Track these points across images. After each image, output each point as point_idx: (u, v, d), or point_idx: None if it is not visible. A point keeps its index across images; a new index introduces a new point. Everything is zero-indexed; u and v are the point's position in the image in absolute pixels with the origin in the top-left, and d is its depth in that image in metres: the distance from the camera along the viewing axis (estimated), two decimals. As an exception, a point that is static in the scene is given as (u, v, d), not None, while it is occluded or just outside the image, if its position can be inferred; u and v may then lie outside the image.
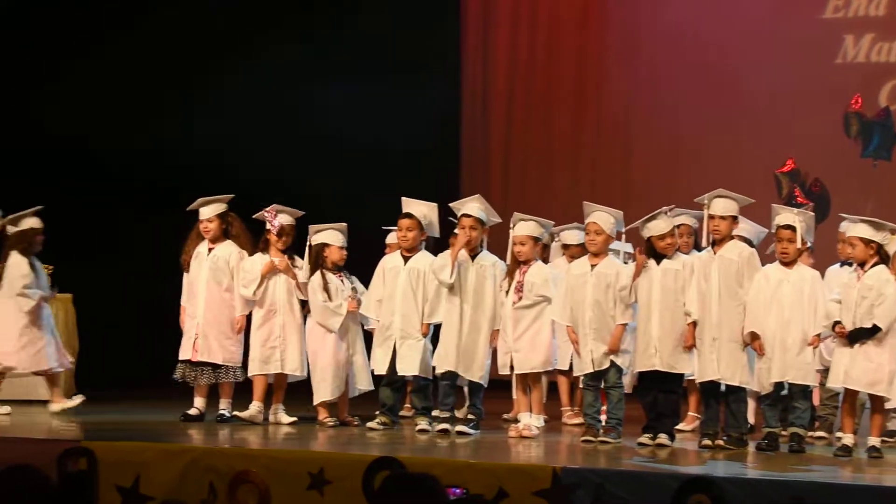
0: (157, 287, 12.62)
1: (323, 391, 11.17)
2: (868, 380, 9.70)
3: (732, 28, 15.82)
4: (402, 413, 11.60)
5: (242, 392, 11.64)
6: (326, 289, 11.17)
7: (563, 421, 11.81)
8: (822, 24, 15.63)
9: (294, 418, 11.29)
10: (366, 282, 11.37)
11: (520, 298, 10.64)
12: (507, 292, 10.68)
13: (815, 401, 10.76)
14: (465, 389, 11.17)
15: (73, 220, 14.79)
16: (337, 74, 15.51)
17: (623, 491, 8.17)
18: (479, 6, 17.09)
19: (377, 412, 11.12)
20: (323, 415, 11.20)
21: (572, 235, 11.67)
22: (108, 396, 12.42)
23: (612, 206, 10.73)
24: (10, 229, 11.98)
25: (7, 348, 11.82)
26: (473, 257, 10.84)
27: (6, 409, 11.72)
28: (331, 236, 11.30)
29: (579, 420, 11.56)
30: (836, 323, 9.74)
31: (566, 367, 11.28)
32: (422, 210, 11.17)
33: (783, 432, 10.14)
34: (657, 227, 10.25)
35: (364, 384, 11.31)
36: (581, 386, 10.76)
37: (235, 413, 11.22)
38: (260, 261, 11.41)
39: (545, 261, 11.39)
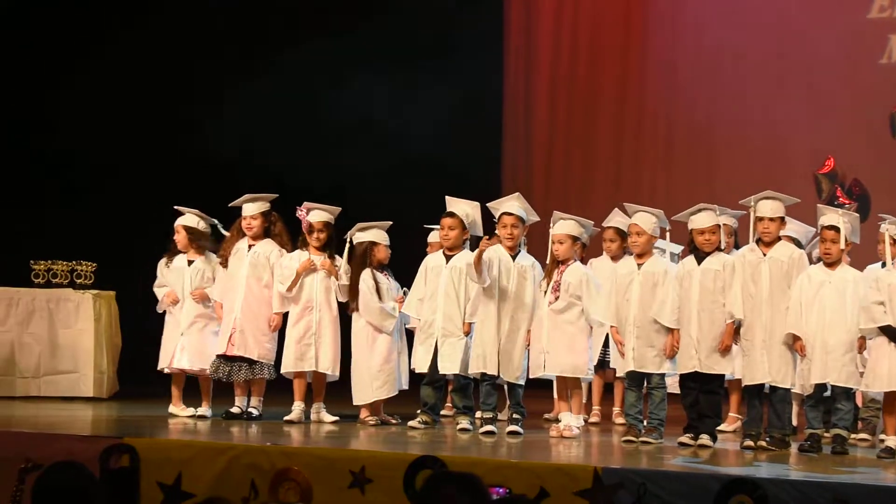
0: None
1: (371, 392, 11.18)
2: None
3: (775, 27, 15.77)
4: (442, 412, 11.61)
5: (274, 391, 11.69)
6: (378, 290, 11.20)
7: (590, 420, 11.80)
8: (867, 25, 15.56)
9: (335, 417, 11.32)
10: (404, 280, 11.39)
11: (556, 298, 10.61)
12: (546, 292, 10.66)
13: (858, 402, 10.71)
14: (505, 388, 11.19)
15: (116, 218, 14.93)
16: (378, 72, 15.52)
17: (665, 491, 8.13)
18: (522, 5, 17.08)
19: (418, 411, 11.14)
20: (364, 413, 11.21)
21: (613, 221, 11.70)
22: (150, 393, 12.46)
23: (655, 205, 10.72)
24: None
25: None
26: (514, 258, 10.83)
27: (191, 410, 11.71)
28: (377, 235, 11.33)
29: (621, 420, 11.59)
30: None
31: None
32: (465, 209, 11.17)
33: (826, 434, 10.08)
34: (699, 220, 10.24)
35: (403, 383, 11.33)
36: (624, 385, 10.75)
37: (286, 418, 11.23)
38: (298, 258, 11.44)
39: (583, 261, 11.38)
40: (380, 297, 11.20)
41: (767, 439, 9.93)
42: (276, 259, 11.56)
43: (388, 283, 11.30)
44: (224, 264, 11.67)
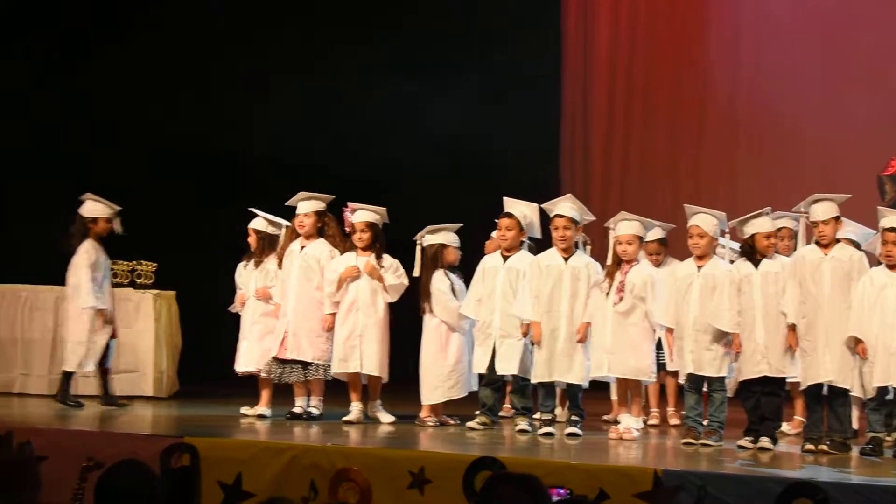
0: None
1: (443, 392, 11.21)
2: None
3: (834, 26, 15.67)
4: (501, 413, 11.61)
5: (335, 391, 11.73)
6: (452, 290, 11.22)
7: (649, 422, 11.77)
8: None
9: (392, 417, 11.33)
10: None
11: (620, 299, 10.58)
12: (608, 293, 10.62)
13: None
14: (560, 389, 11.18)
15: (176, 217, 15.00)
16: (435, 73, 15.53)
17: (725, 494, 8.10)
18: (580, 7, 17.04)
19: (477, 412, 11.14)
20: (425, 413, 11.22)
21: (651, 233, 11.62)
22: (210, 393, 12.52)
23: (716, 207, 10.67)
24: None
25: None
26: (567, 259, 10.80)
27: (259, 410, 11.74)
28: (448, 237, 11.37)
29: (676, 421, 11.56)
30: None
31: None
32: (522, 210, 11.16)
33: (888, 437, 10.01)
34: (762, 224, 10.19)
35: (473, 384, 11.34)
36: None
37: (345, 418, 11.25)
38: (346, 260, 11.46)
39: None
40: (455, 299, 11.25)
41: (828, 443, 9.86)
42: (326, 261, 11.58)
43: (460, 284, 11.33)
44: (280, 265, 11.72)
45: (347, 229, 11.53)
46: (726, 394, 10.31)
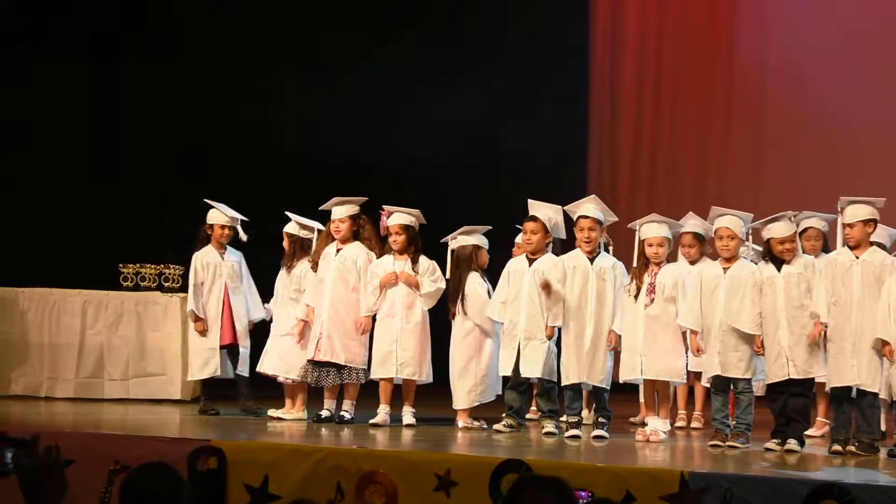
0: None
1: (475, 395, 11.21)
2: None
3: (864, 24, 15.58)
4: (527, 415, 11.59)
5: (366, 394, 11.74)
6: (488, 292, 11.23)
7: (676, 424, 11.73)
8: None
9: (412, 420, 11.32)
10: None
11: (651, 301, 10.56)
12: (637, 295, 10.60)
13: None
14: (587, 391, 11.16)
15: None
16: (463, 76, 15.52)
17: (752, 496, 8.08)
18: (608, 8, 17.01)
19: (503, 414, 11.13)
20: (464, 416, 11.21)
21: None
22: (237, 396, 12.52)
23: (742, 209, 10.65)
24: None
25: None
26: (592, 260, 10.78)
27: (292, 413, 11.81)
28: (481, 239, 11.38)
29: (697, 425, 11.54)
30: None
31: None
32: (547, 213, 11.15)
33: (915, 439, 9.98)
34: (778, 229, 10.15)
35: (498, 388, 11.34)
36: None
37: (372, 421, 11.25)
38: (384, 265, 11.46)
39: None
40: None
41: (856, 444, 9.82)
42: (363, 263, 11.59)
43: (489, 287, 11.34)
44: (314, 268, 11.74)
45: (383, 233, 11.54)
46: (752, 395, 10.28)
